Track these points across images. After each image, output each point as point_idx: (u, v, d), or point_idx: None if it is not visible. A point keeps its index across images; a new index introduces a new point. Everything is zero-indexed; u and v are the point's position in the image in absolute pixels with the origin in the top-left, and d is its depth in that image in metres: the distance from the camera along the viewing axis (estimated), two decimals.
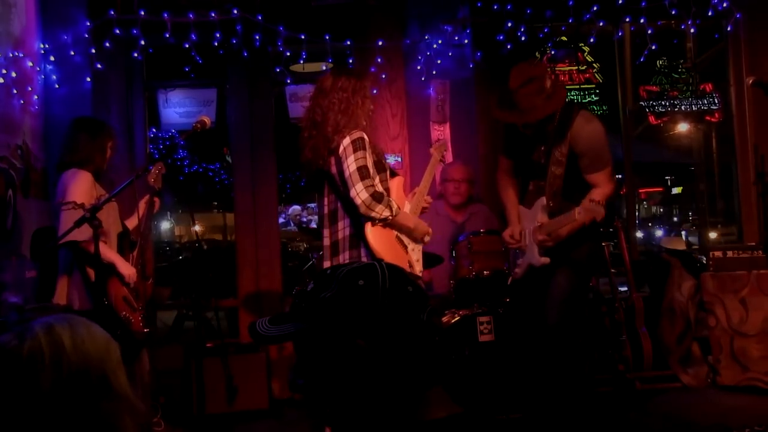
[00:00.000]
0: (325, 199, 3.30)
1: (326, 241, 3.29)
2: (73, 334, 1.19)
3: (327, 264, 3.27)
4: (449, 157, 5.07)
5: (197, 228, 7.03)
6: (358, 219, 3.17)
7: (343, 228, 3.23)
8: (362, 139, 3.14)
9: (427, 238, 3.40)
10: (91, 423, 1.16)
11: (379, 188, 3.15)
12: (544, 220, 3.47)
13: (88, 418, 1.16)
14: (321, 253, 3.41)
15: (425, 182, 3.58)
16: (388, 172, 3.34)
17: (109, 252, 3.45)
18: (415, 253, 3.34)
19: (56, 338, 1.17)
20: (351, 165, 3.08)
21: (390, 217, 3.12)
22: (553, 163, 3.43)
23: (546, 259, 3.43)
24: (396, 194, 3.34)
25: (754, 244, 4.83)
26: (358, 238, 3.19)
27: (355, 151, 3.10)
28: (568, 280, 3.45)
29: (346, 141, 3.12)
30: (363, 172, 3.08)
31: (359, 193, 3.05)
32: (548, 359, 3.49)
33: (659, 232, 11.34)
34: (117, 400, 1.20)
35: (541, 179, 3.57)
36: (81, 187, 3.39)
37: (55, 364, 1.15)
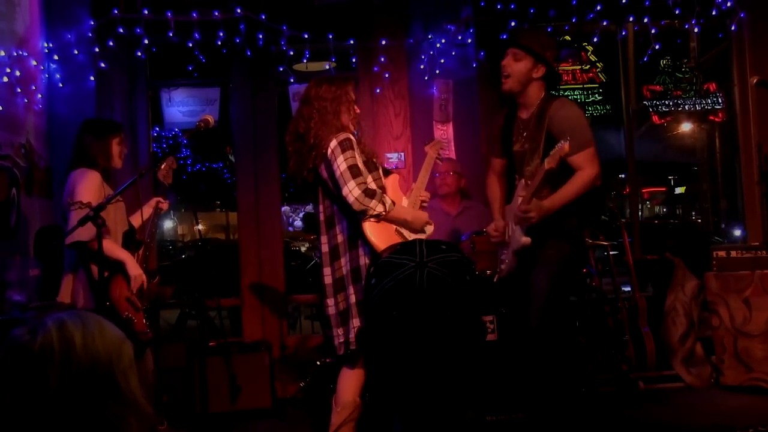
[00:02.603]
0: (320, 206, 3.30)
1: (325, 248, 3.28)
2: (84, 331, 1.17)
3: (327, 270, 3.26)
4: (453, 155, 5.07)
5: (200, 227, 7.05)
6: (355, 220, 3.17)
7: (341, 231, 3.23)
8: (349, 139, 3.16)
9: (429, 228, 3.40)
10: (95, 423, 1.14)
11: (372, 185, 3.16)
12: (524, 194, 3.42)
13: (93, 418, 1.15)
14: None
15: (422, 178, 3.59)
16: (380, 171, 3.35)
17: (120, 251, 3.44)
18: None
19: (67, 335, 1.15)
20: (341, 165, 3.10)
21: (384, 212, 3.13)
22: (533, 147, 3.42)
23: (527, 239, 3.32)
24: (392, 191, 3.35)
25: (758, 243, 4.82)
26: (356, 238, 3.19)
27: (343, 151, 3.12)
28: (547, 280, 3.39)
29: (333, 143, 3.14)
30: (353, 171, 3.09)
31: (351, 190, 3.07)
32: (535, 362, 3.46)
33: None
34: (124, 402, 1.19)
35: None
36: (88, 186, 3.39)
37: (64, 361, 1.13)
